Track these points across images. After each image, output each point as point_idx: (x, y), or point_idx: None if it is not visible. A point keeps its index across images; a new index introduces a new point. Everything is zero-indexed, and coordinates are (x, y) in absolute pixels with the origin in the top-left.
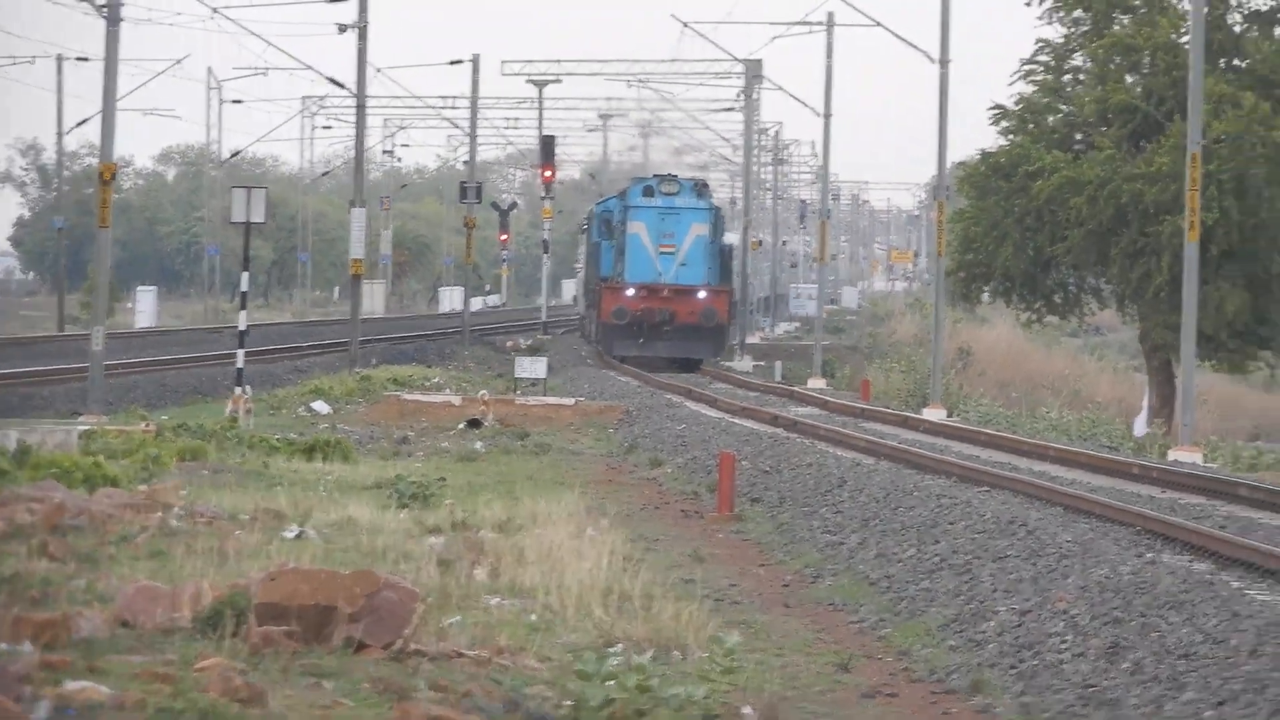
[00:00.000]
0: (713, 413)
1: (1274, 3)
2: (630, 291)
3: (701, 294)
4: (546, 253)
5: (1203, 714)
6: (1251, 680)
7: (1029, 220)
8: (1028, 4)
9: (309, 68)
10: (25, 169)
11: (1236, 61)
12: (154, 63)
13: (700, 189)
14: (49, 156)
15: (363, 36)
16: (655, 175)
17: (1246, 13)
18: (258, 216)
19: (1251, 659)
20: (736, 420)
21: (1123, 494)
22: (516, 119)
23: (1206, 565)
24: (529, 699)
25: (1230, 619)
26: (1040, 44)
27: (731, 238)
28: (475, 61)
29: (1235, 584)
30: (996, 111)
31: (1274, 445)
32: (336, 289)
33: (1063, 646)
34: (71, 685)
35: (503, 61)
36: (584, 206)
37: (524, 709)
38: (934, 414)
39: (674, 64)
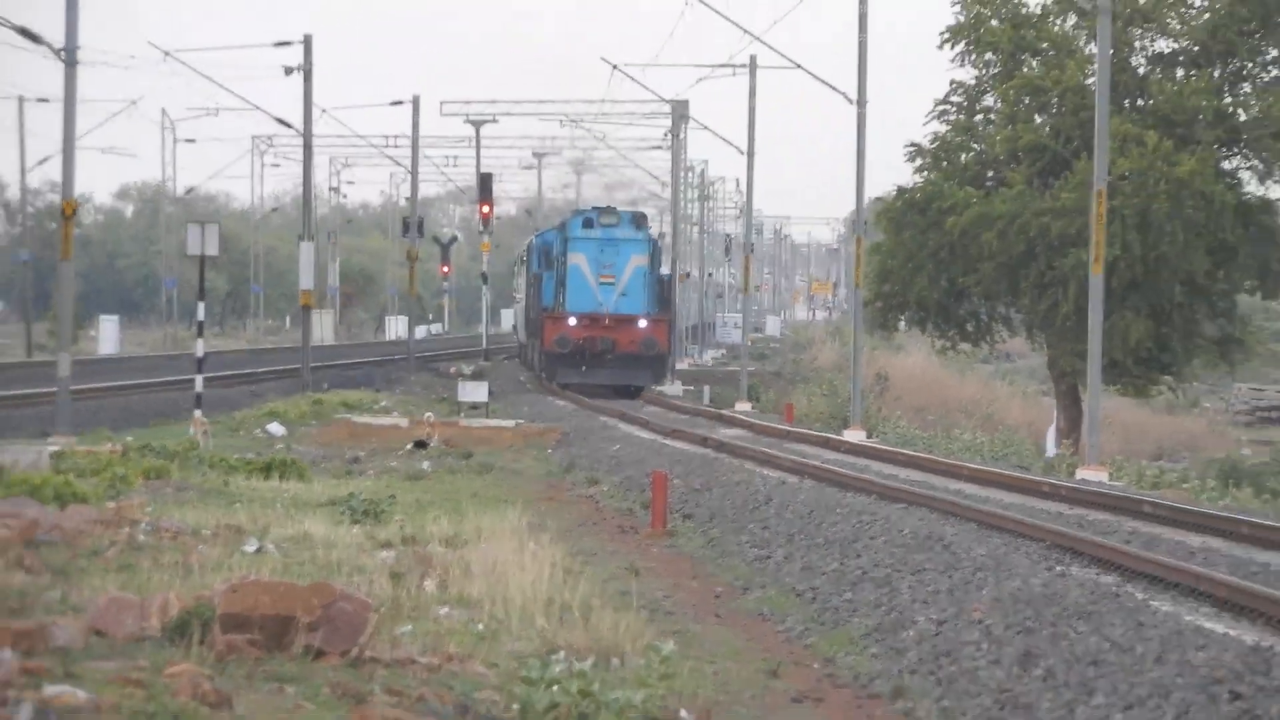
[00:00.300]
0: (646, 434)
1: (1176, 46)
2: (572, 321)
3: (642, 323)
4: (485, 284)
5: (1112, 717)
6: (1157, 686)
7: (943, 253)
8: (940, 47)
9: (258, 108)
10: None
11: (1140, 102)
12: (111, 103)
13: (639, 221)
14: (13, 193)
15: (308, 79)
16: (595, 208)
17: (1150, 55)
18: (212, 250)
19: (1157, 666)
20: (668, 441)
21: (1033, 510)
22: (455, 157)
23: (1113, 578)
24: (478, 703)
25: (1136, 628)
26: (953, 85)
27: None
28: (415, 102)
29: (1140, 595)
30: (912, 149)
31: (1175, 465)
32: (288, 318)
33: (979, 654)
34: (50, 690)
35: (442, 102)
36: (520, 241)
37: (473, 712)
38: (854, 435)
39: (605, 104)
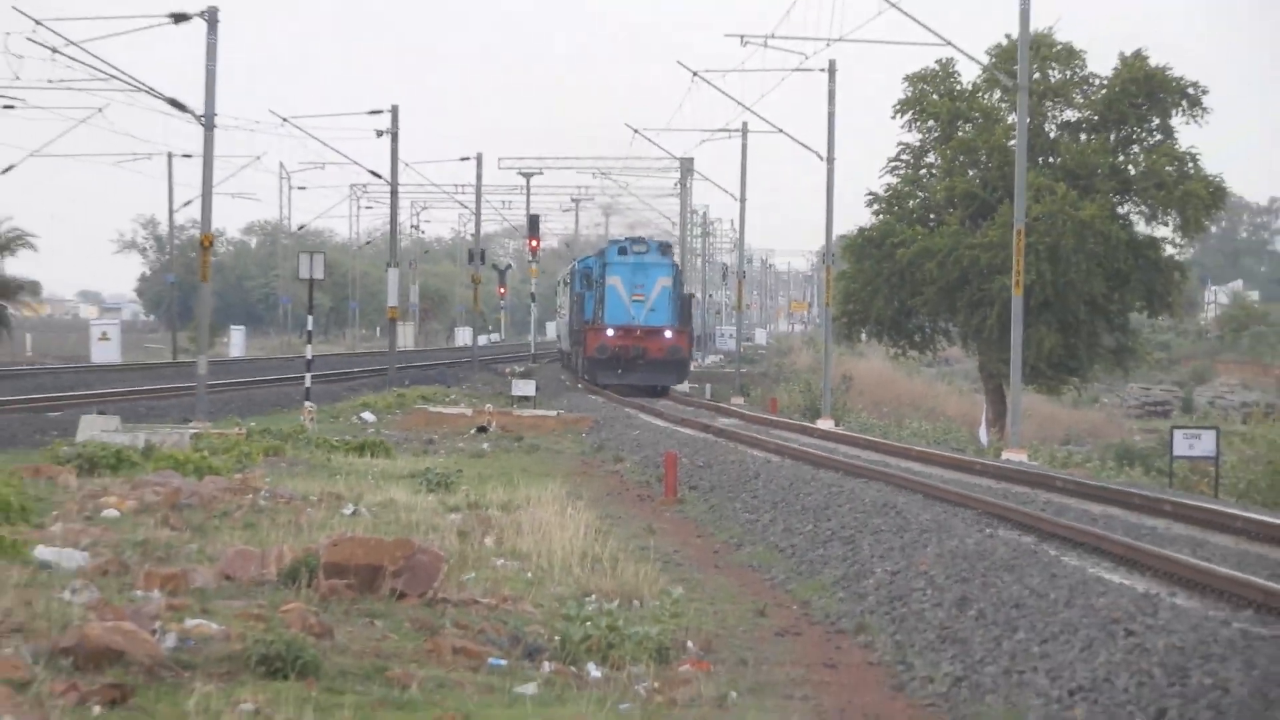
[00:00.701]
0: (660, 423)
1: (1080, 115)
2: (610, 332)
3: (668, 334)
4: (534, 302)
5: (1030, 649)
6: (1066, 624)
7: (894, 279)
8: (893, 116)
9: (355, 163)
10: (145, 239)
11: (1051, 159)
12: (239, 158)
13: (664, 249)
14: (163, 229)
15: (394, 140)
16: (627, 238)
17: (1059, 123)
18: (318, 274)
19: (1066, 608)
20: (678, 428)
21: (968, 484)
22: (510, 201)
23: (1031, 538)
24: (527, 634)
25: (1050, 579)
26: (902, 146)
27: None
28: (479, 158)
29: (1053, 552)
30: (870, 197)
31: (1080, 448)
32: (378, 328)
33: (924, 599)
34: (190, 622)
35: (499, 158)
36: (561, 267)
37: (524, 642)
38: (825, 424)
39: (627, 161)
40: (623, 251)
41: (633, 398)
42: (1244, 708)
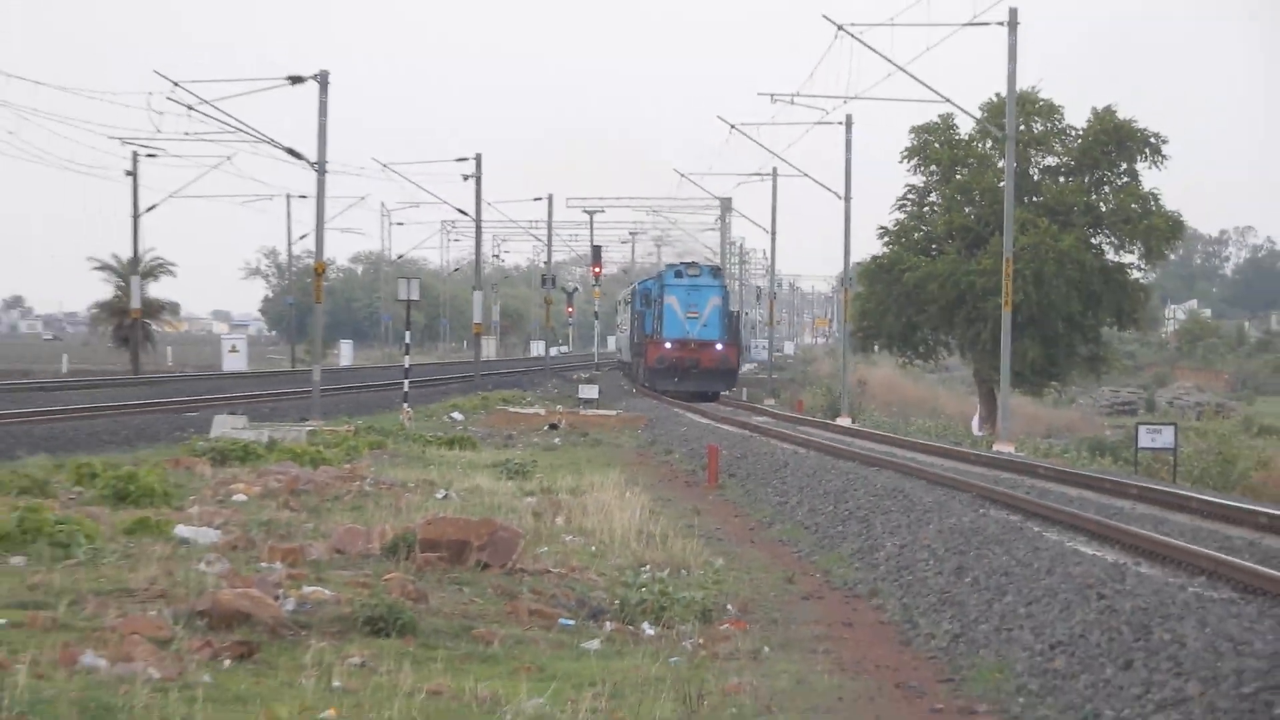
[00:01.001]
0: (703, 420)
1: (1059, 161)
2: (668, 344)
3: (718, 346)
4: (596, 319)
5: (1018, 609)
6: (1048, 589)
7: (902, 300)
8: (900, 161)
9: (445, 202)
10: (267, 266)
11: (1035, 198)
12: (347, 198)
13: (715, 272)
14: (282, 258)
15: (478, 183)
16: (683, 263)
17: (1041, 167)
18: (414, 296)
19: (1048, 575)
20: (719, 425)
21: (964, 471)
22: (576, 234)
23: (1018, 517)
24: (592, 599)
25: (1033, 551)
26: (908, 187)
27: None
28: (549, 199)
29: (1036, 529)
30: (881, 230)
31: (1059, 441)
32: (465, 342)
33: (927, 568)
34: (307, 589)
35: (567, 198)
36: (619, 291)
37: (589, 605)
38: (843, 421)
39: (675, 200)
40: (679, 275)
41: (683, 401)
42: (1197, 659)
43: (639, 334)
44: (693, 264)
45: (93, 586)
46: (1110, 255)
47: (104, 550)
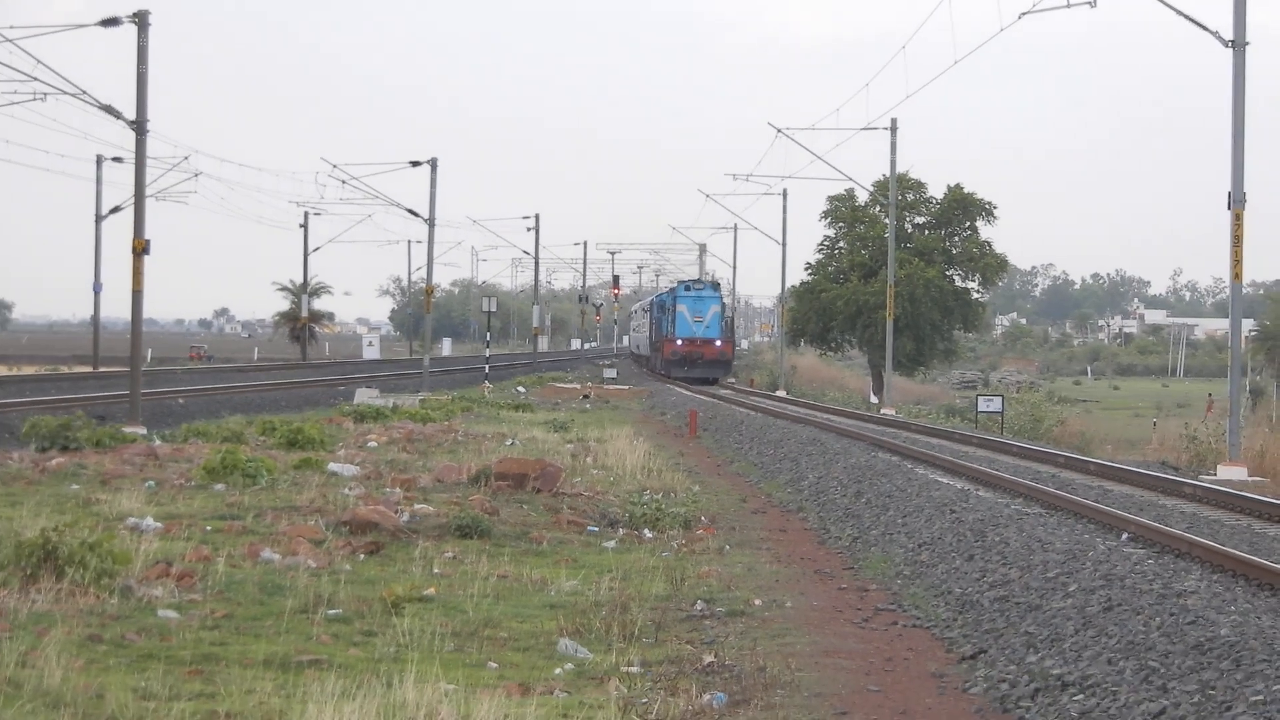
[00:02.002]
0: (687, 392)
1: (924, 219)
2: (679, 342)
3: (718, 343)
4: (615, 324)
5: (897, 521)
6: (917, 506)
7: (821, 312)
8: (820, 220)
9: (513, 245)
10: (394, 288)
11: (909, 245)
12: (449, 244)
13: (716, 287)
14: (404, 283)
15: (536, 233)
16: (691, 280)
17: (912, 224)
18: (493, 309)
19: (917, 497)
20: (697, 395)
21: (862, 427)
22: (603, 266)
23: (898, 458)
24: (610, 513)
25: (908, 481)
26: (825, 237)
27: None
28: (585, 244)
29: (910, 465)
30: (807, 265)
31: (925, 407)
32: (527, 339)
33: (836, 492)
34: (417, 506)
35: (596, 243)
36: (630, 305)
37: (608, 517)
38: (780, 394)
39: (670, 244)
40: (687, 289)
41: (690, 385)
42: (1017, 554)
43: (657, 334)
44: (698, 280)
45: (270, 504)
46: (959, 282)
47: (279, 480)
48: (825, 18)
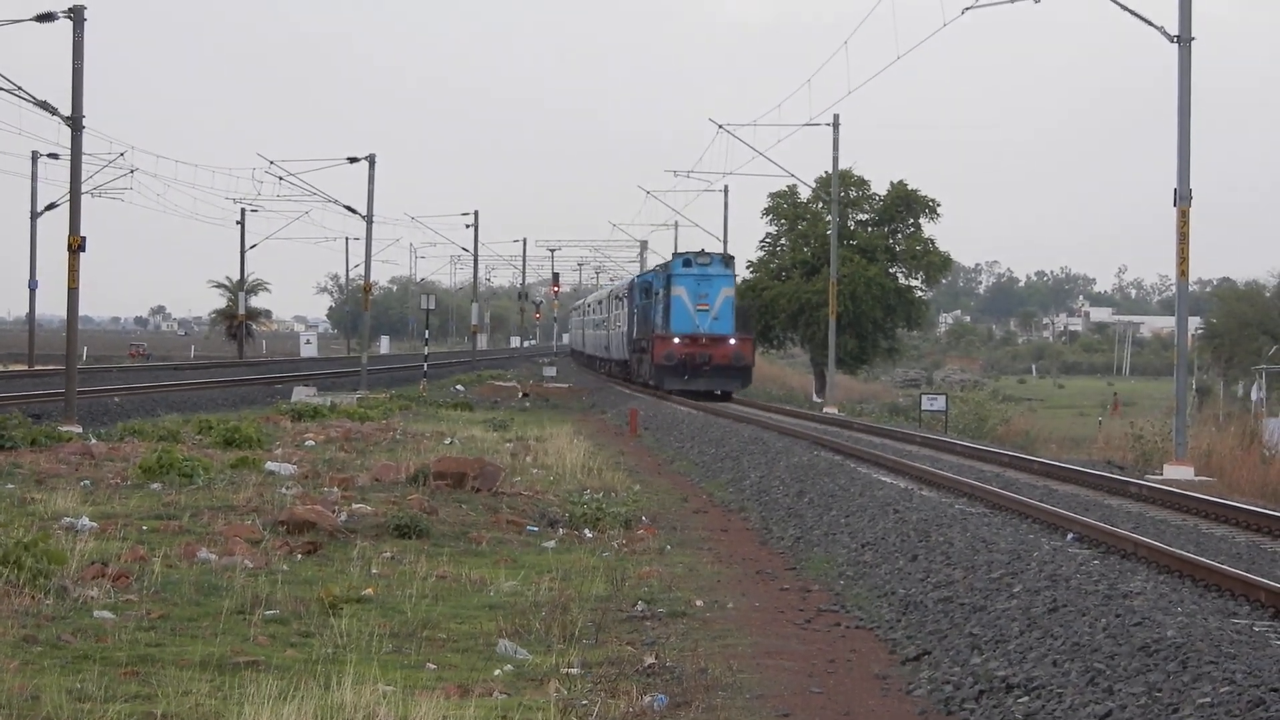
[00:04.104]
0: (628, 390)
1: (867, 215)
2: (676, 340)
3: (732, 341)
4: (555, 322)
5: (839, 520)
6: (860, 505)
7: (763, 310)
8: (762, 217)
9: (452, 242)
10: (331, 285)
11: (851, 242)
12: (387, 240)
13: (727, 261)
14: (342, 280)
15: (476, 229)
16: (692, 251)
17: (855, 221)
18: (431, 306)
19: (860, 496)
20: (637, 393)
21: (805, 426)
22: (542, 264)
23: (840, 457)
24: (550, 512)
25: (850, 480)
26: (768, 234)
27: None
28: (524, 241)
29: (852, 465)
30: (749, 263)
31: (868, 406)
32: (465, 337)
33: (778, 491)
34: (355, 506)
35: (535, 240)
36: (571, 302)
37: (548, 516)
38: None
39: (610, 241)
40: (687, 264)
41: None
42: (961, 554)
43: (642, 329)
44: (702, 252)
45: (207, 504)
46: (902, 280)
47: (216, 479)
48: (768, 5)
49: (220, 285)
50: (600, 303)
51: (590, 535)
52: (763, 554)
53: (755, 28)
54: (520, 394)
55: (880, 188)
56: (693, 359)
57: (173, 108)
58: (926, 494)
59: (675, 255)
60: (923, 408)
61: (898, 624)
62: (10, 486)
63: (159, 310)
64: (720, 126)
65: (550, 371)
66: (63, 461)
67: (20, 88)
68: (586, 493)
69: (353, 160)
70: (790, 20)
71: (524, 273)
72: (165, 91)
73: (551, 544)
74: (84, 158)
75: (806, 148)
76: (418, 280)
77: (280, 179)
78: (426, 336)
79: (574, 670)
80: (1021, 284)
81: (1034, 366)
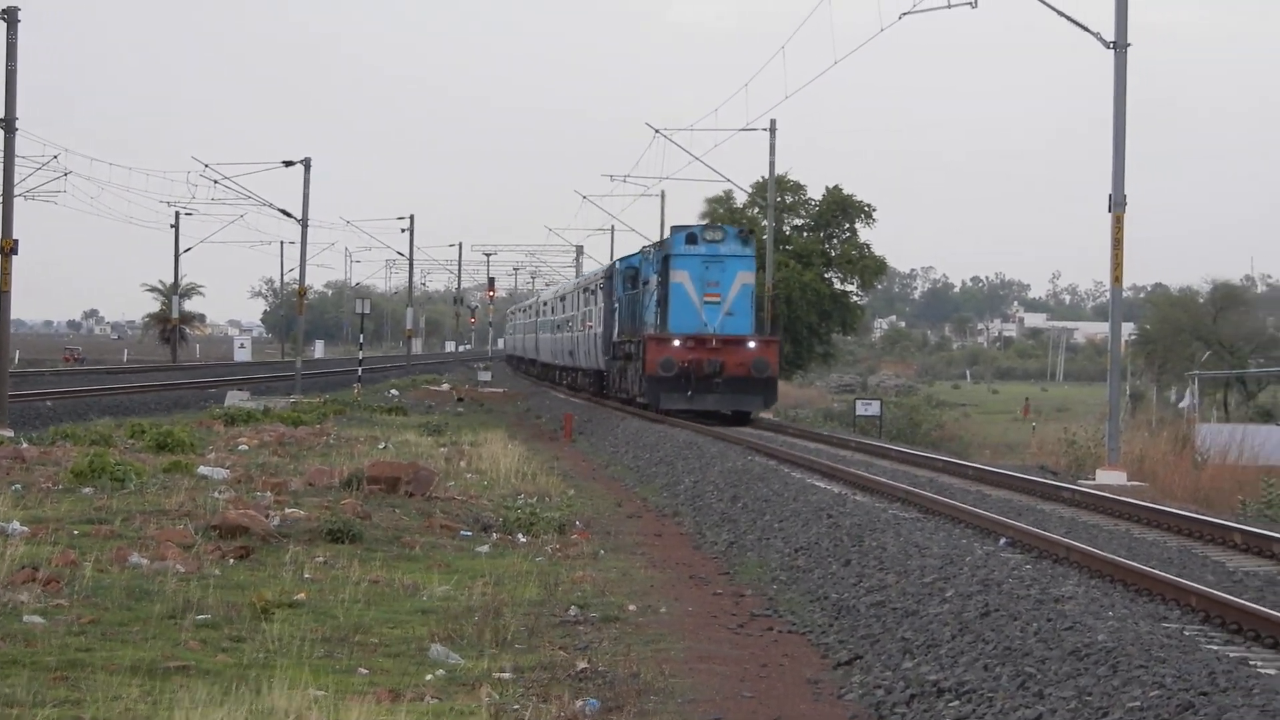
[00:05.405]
0: (562, 395)
1: (803, 221)
2: (676, 343)
3: (751, 344)
4: (490, 327)
5: (773, 525)
6: (794, 510)
7: None
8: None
9: (389, 247)
10: (266, 290)
11: (787, 247)
12: (322, 245)
13: (745, 237)
14: (277, 284)
15: (411, 235)
16: (694, 225)
17: (791, 226)
18: (366, 310)
19: (794, 501)
20: (573, 398)
21: (738, 432)
22: (478, 268)
23: (774, 462)
24: (484, 517)
25: (784, 485)
26: None
27: None
28: (460, 245)
29: (786, 470)
30: None
31: (804, 411)
32: (400, 342)
33: (713, 496)
34: (288, 510)
35: (471, 244)
36: (506, 308)
37: (481, 521)
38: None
39: (546, 246)
40: (691, 240)
41: (548, 381)
42: (894, 559)
43: (627, 329)
44: (712, 225)
45: (139, 508)
46: (837, 285)
47: (148, 483)
48: (706, 10)
49: (154, 289)
50: (561, 299)
51: (524, 540)
52: (696, 559)
53: (693, 33)
54: (455, 398)
55: (816, 193)
56: (699, 368)
57: (107, 111)
58: (860, 499)
59: (675, 229)
60: (857, 413)
61: (830, 628)
62: None
63: (92, 314)
64: (657, 131)
65: (485, 376)
66: None
67: None
68: (520, 497)
69: (288, 164)
70: (728, 25)
71: (459, 277)
72: (100, 95)
73: (485, 549)
74: (16, 160)
75: (743, 153)
76: (353, 284)
77: (215, 182)
78: (361, 341)
79: (506, 675)
80: (957, 289)
81: (968, 372)
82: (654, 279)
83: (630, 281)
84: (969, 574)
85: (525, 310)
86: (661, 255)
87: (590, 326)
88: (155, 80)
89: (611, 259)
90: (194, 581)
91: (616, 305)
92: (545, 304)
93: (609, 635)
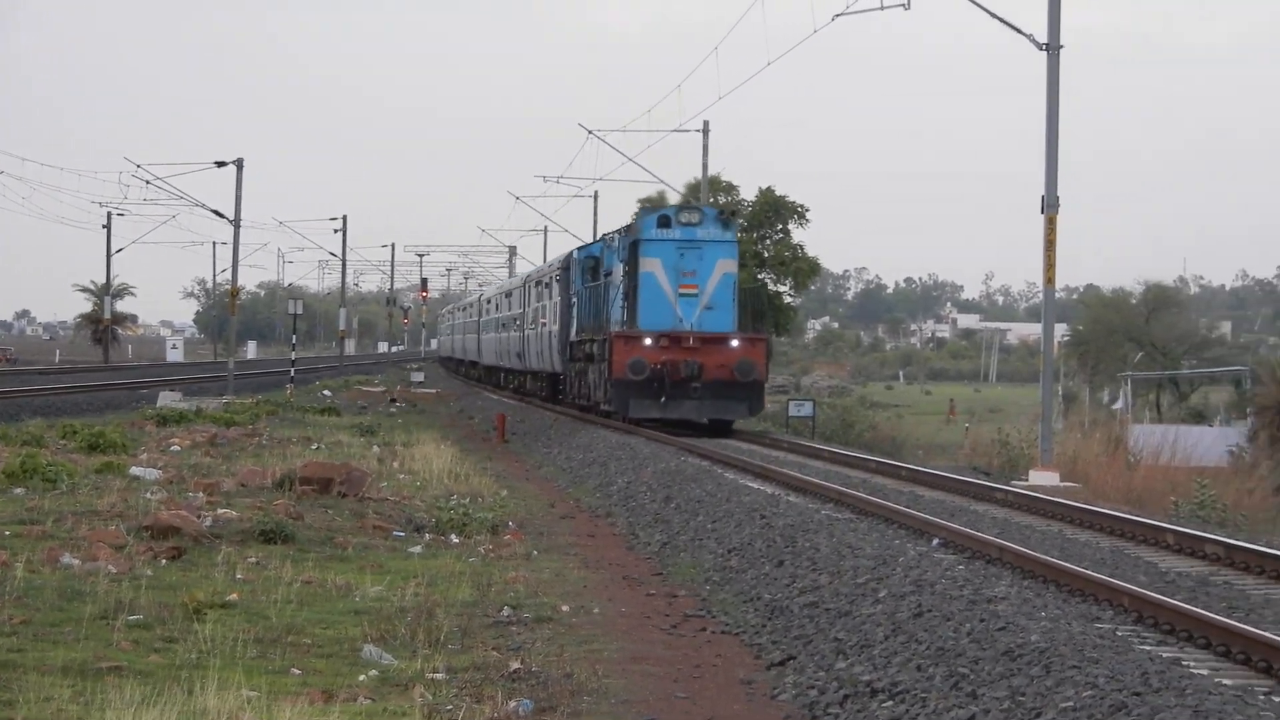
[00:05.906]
0: (495, 395)
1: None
2: (647, 341)
3: (734, 343)
4: (424, 328)
5: (706, 526)
6: (727, 511)
7: None
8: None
9: (322, 247)
10: (199, 290)
11: None
12: (255, 245)
13: (726, 220)
14: (209, 285)
15: (344, 235)
16: (669, 207)
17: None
18: (299, 311)
19: (727, 502)
20: (505, 399)
21: (674, 435)
22: (411, 269)
23: (707, 463)
24: (416, 518)
25: (717, 486)
26: None
27: None
28: (393, 246)
29: (720, 470)
30: None
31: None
32: (334, 342)
33: (646, 497)
34: (220, 511)
35: (404, 245)
36: (439, 308)
37: (414, 522)
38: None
39: (479, 247)
40: (664, 223)
41: (478, 383)
42: (827, 559)
43: (588, 326)
44: (689, 205)
45: (71, 508)
46: (771, 286)
47: (80, 484)
48: (639, 11)
49: (85, 289)
50: (507, 294)
51: (457, 540)
52: (629, 559)
53: (627, 33)
54: (388, 399)
55: (750, 194)
56: (674, 371)
57: (37, 112)
58: (793, 499)
59: (644, 210)
60: (790, 413)
61: (763, 629)
62: None
63: (24, 314)
64: (590, 132)
65: (418, 377)
66: None
67: None
68: (453, 498)
69: (220, 164)
70: (661, 26)
71: (392, 278)
72: (30, 95)
73: (418, 549)
74: None
75: (677, 154)
76: (285, 285)
77: (148, 183)
78: (294, 341)
79: (439, 675)
80: (890, 290)
81: (901, 373)
82: (619, 269)
83: (591, 273)
84: (902, 575)
85: (465, 309)
86: (629, 241)
87: (543, 324)
88: (86, 79)
89: (544, 259)
90: (126, 582)
91: (575, 300)
92: (489, 301)
93: (542, 636)
